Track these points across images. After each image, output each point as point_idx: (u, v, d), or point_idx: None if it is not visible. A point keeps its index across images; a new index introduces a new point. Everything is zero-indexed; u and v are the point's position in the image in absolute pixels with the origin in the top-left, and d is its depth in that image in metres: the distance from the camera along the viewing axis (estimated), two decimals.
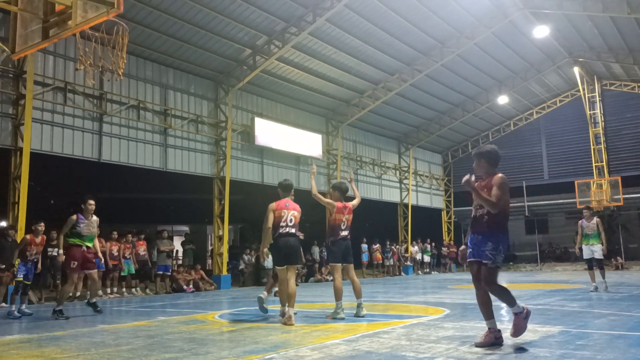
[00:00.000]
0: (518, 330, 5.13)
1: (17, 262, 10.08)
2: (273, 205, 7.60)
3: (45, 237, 10.32)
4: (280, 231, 7.47)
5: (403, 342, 5.40)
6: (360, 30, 17.95)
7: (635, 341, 5.26)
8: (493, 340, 4.99)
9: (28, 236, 9.83)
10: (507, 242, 5.18)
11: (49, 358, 5.10)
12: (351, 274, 7.87)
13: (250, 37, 16.62)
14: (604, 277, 11.50)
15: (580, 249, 11.67)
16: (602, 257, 11.49)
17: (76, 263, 8.86)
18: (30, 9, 6.67)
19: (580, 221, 11.76)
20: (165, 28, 15.13)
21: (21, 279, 9.61)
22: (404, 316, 7.88)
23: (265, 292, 8.50)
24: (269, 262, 10.28)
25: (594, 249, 11.39)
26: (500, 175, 5.12)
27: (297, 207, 7.76)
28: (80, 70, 9.28)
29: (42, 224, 9.97)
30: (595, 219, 11.56)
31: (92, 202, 9.09)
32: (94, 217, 9.22)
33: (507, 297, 5.09)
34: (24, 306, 9.61)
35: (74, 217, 8.98)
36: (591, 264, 11.53)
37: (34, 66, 13.03)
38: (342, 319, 7.36)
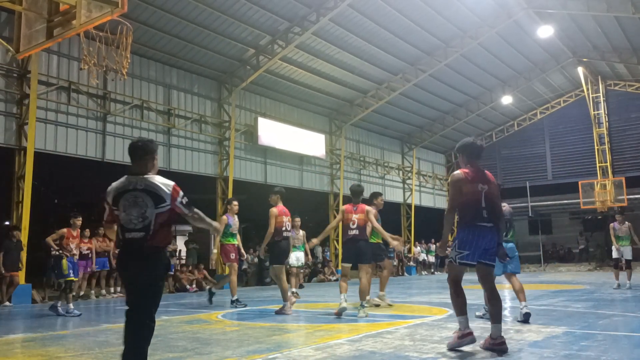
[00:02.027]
0: (450, 343, 4.95)
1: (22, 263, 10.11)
2: (275, 210, 8.42)
3: (80, 231, 9.96)
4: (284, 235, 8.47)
5: (406, 342, 5.39)
6: (364, 30, 17.93)
7: (639, 341, 5.23)
8: (457, 340, 4.90)
9: (65, 229, 9.43)
10: (463, 236, 4.93)
11: (52, 357, 5.11)
12: (359, 274, 8.04)
13: (253, 37, 16.63)
14: (629, 278, 12.19)
15: (617, 249, 12.30)
16: (631, 259, 12.28)
17: (234, 255, 9.83)
18: (34, 8, 6.70)
19: (612, 224, 12.52)
20: (168, 28, 15.16)
21: (72, 277, 9.37)
22: (407, 316, 7.87)
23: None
24: (292, 260, 11.84)
25: (624, 251, 12.20)
26: (453, 174, 5.15)
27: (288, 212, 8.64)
28: (85, 69, 9.31)
29: (80, 218, 9.65)
30: (627, 223, 12.41)
31: (236, 203, 10.13)
32: (236, 217, 10.20)
33: (455, 303, 5.02)
34: (71, 305, 9.20)
35: (225, 217, 9.75)
36: (617, 263, 12.30)
37: (38, 66, 13.04)
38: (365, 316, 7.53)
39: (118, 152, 15.09)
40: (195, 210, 3.81)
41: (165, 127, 16.38)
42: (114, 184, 3.80)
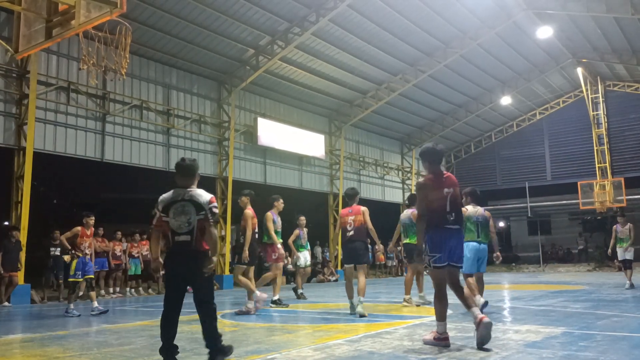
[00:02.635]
0: (426, 339, 5.25)
1: (21, 263, 10.06)
2: (250, 212, 8.64)
3: (94, 229, 9.75)
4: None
5: (405, 342, 5.40)
6: (364, 31, 17.93)
7: (638, 342, 5.23)
8: (432, 341, 5.15)
9: (79, 228, 9.25)
10: (434, 239, 5.22)
11: (51, 357, 5.11)
12: (357, 274, 8.15)
13: (253, 38, 16.63)
14: (629, 278, 12.65)
15: (614, 251, 13.04)
16: (632, 259, 12.83)
17: (277, 255, 9.63)
18: (33, 8, 6.69)
19: (615, 226, 13.06)
20: (168, 28, 15.15)
21: (91, 275, 9.34)
22: (406, 317, 7.87)
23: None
24: (300, 261, 12.07)
25: (625, 253, 12.77)
26: (418, 181, 5.49)
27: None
28: (84, 70, 9.30)
29: (93, 217, 9.55)
30: (629, 225, 12.85)
31: (282, 200, 9.96)
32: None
33: (437, 308, 5.27)
34: (95, 303, 9.27)
35: (269, 214, 9.58)
36: (626, 264, 12.86)
37: (38, 66, 13.04)
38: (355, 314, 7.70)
39: (117, 152, 15.08)
40: (215, 224, 4.63)
41: (164, 127, 16.38)
42: (164, 196, 4.62)
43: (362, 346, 5.22)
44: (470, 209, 7.75)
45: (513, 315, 7.78)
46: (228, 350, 4.57)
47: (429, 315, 7.80)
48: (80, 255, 9.17)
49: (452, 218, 5.21)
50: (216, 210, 4.58)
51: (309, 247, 12.81)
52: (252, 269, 8.76)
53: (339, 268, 21.96)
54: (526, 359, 4.47)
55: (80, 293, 10.71)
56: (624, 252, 12.80)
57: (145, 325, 7.59)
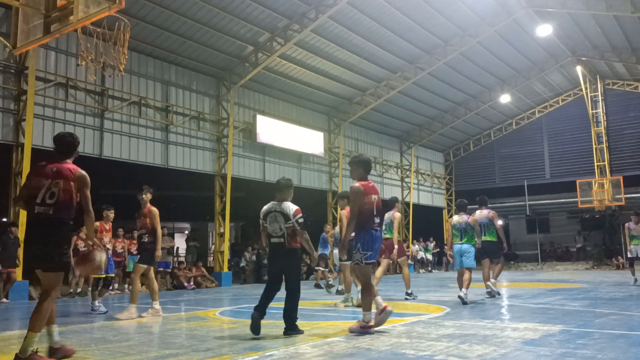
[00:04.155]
0: (353, 328, 5.78)
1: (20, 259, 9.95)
2: (156, 210, 8.50)
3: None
4: None
5: (403, 339, 5.40)
6: (363, 28, 17.90)
7: (636, 340, 5.24)
8: (359, 329, 5.71)
9: (97, 223, 8.73)
10: (365, 240, 5.92)
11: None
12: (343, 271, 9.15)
13: (252, 34, 16.60)
14: (634, 273, 13.11)
15: (630, 250, 13.24)
16: None
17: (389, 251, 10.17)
18: (32, 4, 6.67)
19: (627, 224, 13.35)
20: (167, 24, 15.12)
21: (111, 274, 9.03)
22: (404, 314, 7.87)
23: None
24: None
25: (638, 250, 13.04)
26: (352, 185, 6.07)
27: None
28: (82, 66, 9.27)
29: (112, 210, 9.29)
30: None
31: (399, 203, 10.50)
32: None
33: (366, 300, 5.85)
34: (97, 302, 8.92)
35: (397, 214, 9.88)
36: (632, 261, 13.29)
37: (36, 62, 13.01)
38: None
39: (115, 149, 15.06)
40: (304, 231, 5.93)
41: (163, 124, 16.35)
42: (265, 207, 6.13)
43: (360, 343, 5.22)
44: (455, 218, 9.46)
45: (511, 313, 7.79)
46: (299, 330, 5.85)
47: (428, 313, 7.82)
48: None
49: (377, 221, 6.08)
50: (301, 220, 5.87)
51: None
52: (152, 270, 8.36)
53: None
54: (524, 356, 4.47)
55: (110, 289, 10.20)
56: (636, 250, 13.01)
57: (143, 322, 7.59)
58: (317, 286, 13.78)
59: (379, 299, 6.07)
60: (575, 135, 27.69)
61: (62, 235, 4.67)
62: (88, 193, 4.73)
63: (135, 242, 14.92)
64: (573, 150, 27.79)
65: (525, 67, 24.15)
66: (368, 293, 5.89)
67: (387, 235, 9.86)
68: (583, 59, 23.81)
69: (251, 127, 18.99)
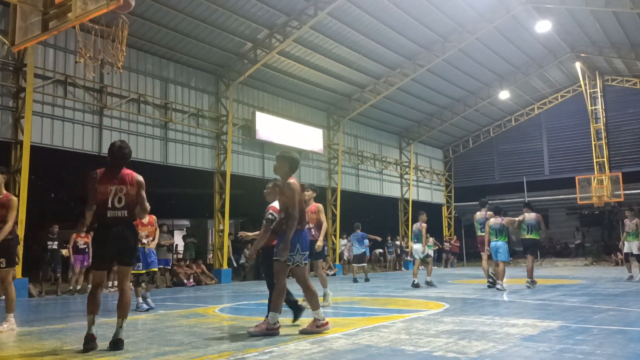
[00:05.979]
0: (255, 331, 5.62)
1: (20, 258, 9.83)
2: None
3: (154, 217, 8.77)
4: None
5: (403, 336, 5.41)
6: (362, 25, 17.88)
7: (634, 336, 5.26)
8: (265, 331, 5.59)
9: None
10: (302, 241, 5.83)
11: (49, 350, 5.11)
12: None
13: (251, 31, 16.57)
14: (630, 270, 13.40)
15: (624, 244, 13.67)
16: (638, 253, 13.34)
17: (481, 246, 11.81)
18: (29, 1, 6.64)
19: (625, 220, 13.75)
20: (165, 21, 15.09)
21: (154, 269, 8.71)
22: (403, 310, 7.89)
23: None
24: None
25: (632, 245, 13.32)
26: (291, 182, 5.80)
27: None
28: (80, 63, 9.25)
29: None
30: (636, 220, 13.36)
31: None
32: None
33: (278, 300, 5.74)
34: (140, 299, 8.67)
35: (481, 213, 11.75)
36: (627, 257, 13.63)
37: (34, 59, 12.98)
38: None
39: None
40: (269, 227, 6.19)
41: (162, 121, 16.33)
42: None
43: (360, 339, 5.23)
44: (492, 220, 11.18)
45: (510, 309, 7.81)
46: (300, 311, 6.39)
47: (427, 309, 7.83)
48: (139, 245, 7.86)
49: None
50: (269, 217, 6.16)
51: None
52: (11, 271, 7.37)
53: (337, 262, 22.02)
54: (523, 352, 4.49)
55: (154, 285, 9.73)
56: (630, 246, 13.28)
57: (143, 319, 7.60)
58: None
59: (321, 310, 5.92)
60: (574, 132, 27.69)
61: (136, 233, 5.48)
62: (144, 194, 5.36)
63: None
64: (572, 147, 27.80)
65: (524, 64, 24.13)
66: (283, 294, 5.83)
67: (529, 236, 11.54)
68: (582, 55, 23.79)
69: (250, 124, 18.97)
